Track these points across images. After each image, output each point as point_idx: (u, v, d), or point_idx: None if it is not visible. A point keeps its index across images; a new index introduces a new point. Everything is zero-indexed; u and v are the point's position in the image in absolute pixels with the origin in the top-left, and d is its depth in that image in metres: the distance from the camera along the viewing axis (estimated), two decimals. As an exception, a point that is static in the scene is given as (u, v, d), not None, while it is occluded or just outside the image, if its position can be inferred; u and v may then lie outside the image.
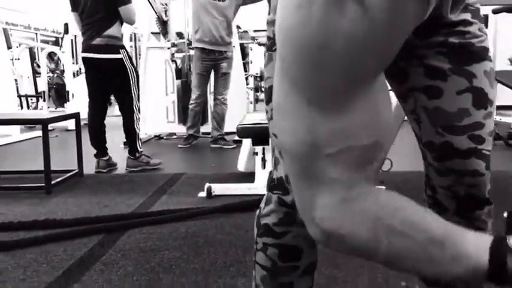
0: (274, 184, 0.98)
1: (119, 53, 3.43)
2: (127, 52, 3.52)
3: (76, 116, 3.35)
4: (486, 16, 7.68)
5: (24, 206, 2.66)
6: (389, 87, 0.94)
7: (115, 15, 3.39)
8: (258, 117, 3.04)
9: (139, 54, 7.51)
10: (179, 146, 4.80)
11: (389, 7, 0.57)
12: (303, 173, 0.66)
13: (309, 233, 0.81)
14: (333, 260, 1.76)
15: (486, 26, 6.65)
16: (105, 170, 3.60)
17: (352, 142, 0.61)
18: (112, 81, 3.49)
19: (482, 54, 0.90)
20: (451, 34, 0.88)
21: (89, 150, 3.59)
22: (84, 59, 3.53)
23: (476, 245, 0.59)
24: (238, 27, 6.93)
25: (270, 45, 0.94)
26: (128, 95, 3.50)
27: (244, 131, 2.81)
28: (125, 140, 5.02)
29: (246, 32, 9.03)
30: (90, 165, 3.56)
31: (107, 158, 3.66)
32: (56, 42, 11.99)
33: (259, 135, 2.73)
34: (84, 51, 3.51)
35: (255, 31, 12.10)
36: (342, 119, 0.62)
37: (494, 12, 3.01)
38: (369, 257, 0.66)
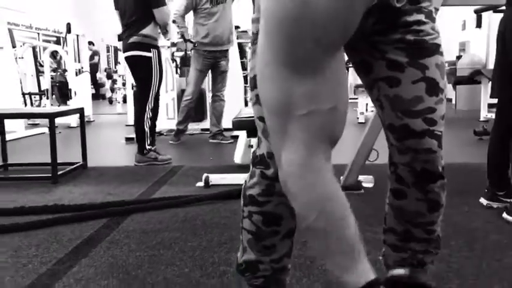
0: (257, 160, 1.15)
1: (150, 51, 3.59)
2: (159, 54, 3.66)
3: (81, 111, 3.51)
4: (480, 16, 7.85)
5: (33, 195, 2.83)
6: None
7: (151, 16, 3.57)
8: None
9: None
10: (170, 141, 4.92)
11: None
12: (277, 128, 0.84)
13: (288, 202, 0.99)
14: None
15: (480, 25, 6.75)
16: (142, 164, 3.72)
17: (318, 105, 0.78)
18: (134, 76, 3.69)
19: (434, 49, 1.07)
20: (407, 32, 1.05)
21: (92, 145, 3.75)
22: (125, 58, 3.71)
23: (366, 270, 0.79)
24: (237, 27, 7.08)
25: (254, 40, 1.10)
26: (144, 94, 3.64)
27: (239, 124, 2.97)
28: (126, 136, 5.21)
29: (245, 31, 9.18)
30: (93, 159, 3.72)
31: (154, 147, 3.83)
32: (57, 42, 12.16)
33: (253, 127, 2.89)
34: (123, 50, 3.69)
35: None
36: (312, 83, 0.80)
37: (476, 12, 3.17)
38: (298, 220, 0.86)
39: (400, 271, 1.21)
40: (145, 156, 3.72)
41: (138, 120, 3.69)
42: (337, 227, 0.84)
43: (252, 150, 1.20)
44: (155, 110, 3.73)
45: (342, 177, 2.81)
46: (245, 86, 7.44)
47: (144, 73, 3.60)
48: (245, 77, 7.16)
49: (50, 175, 3.11)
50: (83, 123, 3.57)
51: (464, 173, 3.24)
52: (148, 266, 1.75)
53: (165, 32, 4.73)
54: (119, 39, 8.58)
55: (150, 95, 3.63)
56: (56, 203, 2.52)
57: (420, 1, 1.07)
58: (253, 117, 2.96)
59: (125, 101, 10.27)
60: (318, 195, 0.83)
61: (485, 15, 8.89)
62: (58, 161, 3.17)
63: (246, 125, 2.93)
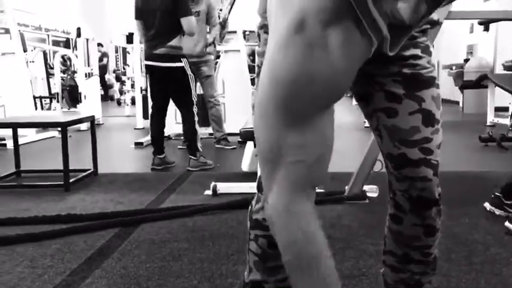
0: (262, 186, 1.22)
1: (181, 61, 3.72)
2: (188, 60, 3.80)
3: (92, 118, 3.60)
4: (488, 23, 7.86)
5: (46, 203, 2.91)
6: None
7: (178, 27, 3.68)
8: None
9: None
10: (178, 147, 5.01)
11: (344, 50, 0.82)
12: (267, 172, 0.91)
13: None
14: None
15: (487, 29, 6.67)
16: (160, 167, 3.86)
17: (306, 156, 0.85)
18: (174, 86, 3.78)
19: (430, 82, 1.13)
20: (404, 66, 1.11)
21: (101, 149, 3.83)
22: (148, 66, 3.80)
23: None
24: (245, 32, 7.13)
25: (260, 72, 1.17)
26: (189, 100, 3.78)
27: (246, 134, 3.05)
28: (136, 141, 5.29)
29: (253, 32, 9.22)
30: (103, 164, 3.80)
31: (162, 156, 3.92)
32: (67, 43, 12.28)
33: (260, 138, 2.96)
34: (147, 59, 3.78)
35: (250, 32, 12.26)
36: (303, 135, 0.87)
37: (480, 24, 3.22)
38: (281, 253, 0.93)
39: None
40: (198, 160, 3.83)
41: (189, 125, 3.82)
42: (311, 268, 0.90)
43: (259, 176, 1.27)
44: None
45: (347, 187, 2.87)
46: (253, 91, 7.48)
47: (183, 82, 3.74)
48: (252, 80, 7.23)
49: (62, 183, 3.19)
50: (94, 131, 3.65)
51: (466, 182, 3.29)
52: (159, 278, 1.82)
53: (217, 42, 4.82)
54: (128, 42, 8.63)
55: (194, 100, 3.80)
56: (68, 213, 2.60)
57: (416, 36, 1.13)
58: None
59: (133, 103, 10.39)
60: (296, 238, 0.89)
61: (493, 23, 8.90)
62: (69, 167, 3.25)
63: (253, 136, 3.00)
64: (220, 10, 5.20)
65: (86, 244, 2.20)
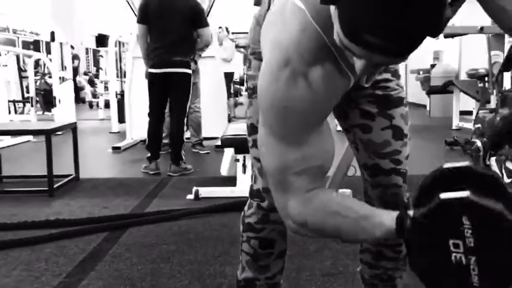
0: (254, 194, 1.37)
1: (189, 68, 3.85)
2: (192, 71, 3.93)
3: (73, 126, 3.68)
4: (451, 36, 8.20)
5: (32, 208, 2.99)
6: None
7: (191, 35, 3.84)
8: (239, 127, 3.42)
9: (124, 62, 7.81)
10: (160, 152, 5.09)
11: (324, 84, 0.97)
12: (278, 185, 1.06)
13: (280, 228, 1.21)
14: (302, 251, 2.16)
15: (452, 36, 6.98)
16: (177, 174, 3.90)
17: (308, 164, 1.00)
18: (176, 92, 3.86)
19: (399, 102, 1.30)
20: (376, 88, 1.28)
21: (79, 155, 3.86)
22: (153, 73, 3.84)
23: (388, 217, 0.98)
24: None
25: (251, 94, 1.32)
26: (182, 108, 3.91)
27: (227, 141, 3.20)
28: (113, 146, 5.35)
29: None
30: (83, 169, 3.85)
31: (158, 160, 4.00)
32: (36, 45, 12.16)
33: (240, 144, 3.12)
34: (154, 66, 3.82)
35: (233, 33, 12.39)
36: (300, 151, 1.02)
37: (445, 37, 3.45)
38: (326, 236, 1.06)
39: None
40: (179, 166, 3.92)
41: (177, 132, 3.92)
42: (343, 223, 1.01)
43: (250, 184, 1.42)
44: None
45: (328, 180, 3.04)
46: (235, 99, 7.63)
47: (187, 89, 3.88)
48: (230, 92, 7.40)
49: (46, 188, 3.27)
50: (76, 138, 3.72)
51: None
52: (151, 279, 1.95)
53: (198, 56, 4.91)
54: (98, 44, 8.59)
55: (187, 108, 3.95)
56: (57, 218, 2.70)
57: (387, 62, 1.30)
58: (240, 134, 3.20)
59: (106, 106, 10.38)
60: (325, 217, 1.02)
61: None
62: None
63: (234, 143, 3.16)
64: None
65: (78, 248, 2.30)
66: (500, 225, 0.84)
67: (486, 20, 3.47)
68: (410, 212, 0.94)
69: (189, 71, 3.89)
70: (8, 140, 5.66)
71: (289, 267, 1.98)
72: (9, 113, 7.38)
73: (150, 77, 3.91)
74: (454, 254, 0.87)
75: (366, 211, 1.01)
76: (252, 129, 1.31)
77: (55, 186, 3.33)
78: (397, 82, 1.31)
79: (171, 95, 3.92)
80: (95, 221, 2.65)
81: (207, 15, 5.48)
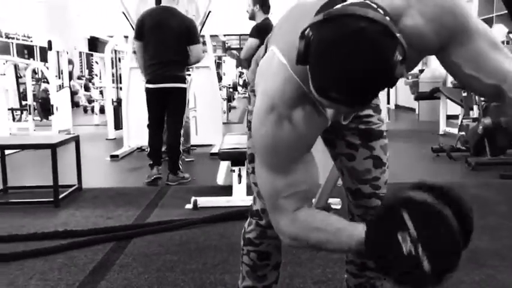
0: (253, 213, 1.56)
1: (185, 82, 4.05)
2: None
3: (76, 138, 3.86)
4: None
5: (40, 219, 3.16)
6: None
7: (185, 51, 4.02)
8: (235, 140, 3.62)
9: (120, 69, 7.96)
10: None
11: (306, 124, 1.16)
12: (271, 207, 1.25)
13: (276, 243, 1.41)
14: (295, 259, 2.35)
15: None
16: (174, 183, 4.07)
17: (295, 189, 1.20)
18: (173, 106, 4.06)
19: (379, 135, 1.50)
20: (360, 123, 1.47)
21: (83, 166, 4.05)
22: (151, 89, 4.02)
23: (361, 228, 1.17)
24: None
25: (251, 127, 1.51)
26: (179, 120, 4.11)
27: (225, 154, 3.39)
28: (112, 154, 5.51)
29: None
30: (83, 179, 4.01)
31: (160, 167, 4.17)
32: (30, 50, 12.27)
33: (237, 157, 3.32)
34: (151, 82, 4.00)
35: (225, 35, 12.52)
36: (287, 178, 1.21)
37: (416, 99, 3.63)
38: (314, 248, 1.25)
39: None
40: (177, 176, 4.11)
41: (174, 143, 4.11)
42: (324, 236, 1.19)
43: (250, 204, 1.61)
44: None
45: (314, 200, 3.24)
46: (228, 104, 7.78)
47: (183, 102, 4.11)
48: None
49: (52, 199, 3.44)
50: (79, 149, 3.90)
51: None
52: (158, 287, 2.13)
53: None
54: (91, 48, 8.72)
55: (183, 120, 4.16)
56: (65, 229, 2.87)
57: (369, 99, 1.49)
58: (236, 148, 3.39)
59: (101, 111, 10.52)
60: (309, 231, 1.20)
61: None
62: (51, 182, 3.48)
63: (231, 156, 3.35)
64: None
65: (87, 258, 2.48)
66: (432, 213, 1.04)
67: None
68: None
69: (185, 85, 4.09)
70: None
71: (283, 275, 2.17)
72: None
73: (147, 92, 4.09)
74: (404, 246, 1.05)
75: (342, 225, 1.22)
76: (252, 158, 1.50)
77: (60, 197, 3.50)
78: (378, 117, 1.50)
79: (168, 108, 4.11)
80: (101, 231, 2.83)
81: (202, 26, 5.68)
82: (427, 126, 8.01)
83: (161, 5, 4.16)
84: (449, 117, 7.51)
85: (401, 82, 10.24)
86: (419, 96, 7.88)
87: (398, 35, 0.95)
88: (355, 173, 1.49)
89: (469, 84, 1.23)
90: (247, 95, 1.58)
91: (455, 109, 7.32)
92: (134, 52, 5.79)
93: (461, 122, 5.57)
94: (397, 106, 11.64)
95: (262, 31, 4.35)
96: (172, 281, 2.19)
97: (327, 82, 0.96)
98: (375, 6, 0.98)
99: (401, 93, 11.12)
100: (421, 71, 9.51)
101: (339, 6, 0.99)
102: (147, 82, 4.05)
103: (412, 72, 10.03)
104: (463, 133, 5.26)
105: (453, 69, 1.21)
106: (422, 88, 8.58)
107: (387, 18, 0.96)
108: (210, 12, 5.73)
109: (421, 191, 1.09)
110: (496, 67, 1.16)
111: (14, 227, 2.97)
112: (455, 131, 6.75)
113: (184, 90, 4.09)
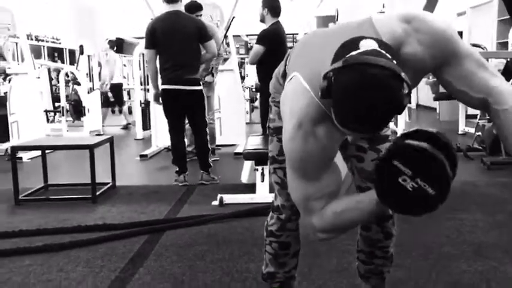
0: (275, 208, 1.80)
1: (200, 85, 4.22)
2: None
3: (111, 140, 4.15)
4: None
5: (80, 214, 3.46)
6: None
7: (198, 52, 4.21)
8: (258, 141, 3.86)
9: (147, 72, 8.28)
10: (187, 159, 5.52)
11: (328, 138, 1.39)
12: (303, 210, 1.48)
13: (294, 234, 1.66)
14: (313, 251, 2.59)
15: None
16: (208, 183, 4.26)
17: (324, 192, 1.42)
18: (191, 107, 4.19)
19: (385, 139, 1.72)
20: (368, 130, 1.70)
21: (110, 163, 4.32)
22: (167, 90, 4.13)
23: (374, 192, 1.36)
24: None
25: (272, 133, 1.75)
26: (202, 119, 4.28)
27: (249, 155, 3.64)
28: (141, 153, 5.79)
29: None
30: (116, 177, 4.32)
31: (187, 173, 4.30)
32: (60, 54, 12.70)
33: (260, 157, 3.56)
34: (168, 83, 4.12)
35: (247, 35, 12.79)
36: (317, 184, 1.44)
37: (435, 99, 3.80)
38: (348, 229, 1.48)
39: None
40: (209, 175, 4.30)
41: (203, 144, 4.28)
42: (349, 215, 1.41)
43: (271, 200, 1.85)
44: None
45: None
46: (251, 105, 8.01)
47: (201, 104, 4.24)
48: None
49: (89, 196, 3.74)
50: (113, 149, 4.20)
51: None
52: (190, 274, 2.39)
53: (215, 71, 5.27)
54: (117, 51, 9.04)
55: (207, 119, 4.34)
56: (104, 222, 3.16)
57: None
58: (259, 149, 3.63)
59: (129, 112, 10.86)
60: (336, 218, 1.42)
61: (466, 34, 9.61)
62: (86, 181, 3.79)
63: (254, 156, 3.60)
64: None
65: (125, 248, 2.75)
66: (417, 151, 1.23)
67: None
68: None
69: (200, 88, 4.20)
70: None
71: (302, 265, 2.41)
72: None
73: (163, 94, 4.17)
74: (407, 185, 1.23)
75: (359, 197, 1.45)
76: (273, 160, 1.74)
77: (96, 193, 3.79)
78: None
79: (188, 112, 4.23)
80: (137, 225, 3.10)
81: (227, 31, 5.91)
82: (447, 126, 8.11)
83: (168, 10, 4.18)
84: (469, 116, 7.62)
85: (422, 82, 10.32)
86: (438, 97, 7.99)
87: (403, 74, 1.17)
88: (364, 172, 1.71)
89: (460, 98, 1.45)
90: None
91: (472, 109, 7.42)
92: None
93: (478, 122, 5.71)
94: (418, 106, 11.72)
95: (268, 38, 4.58)
96: (203, 269, 2.45)
97: (347, 117, 1.20)
98: (384, 52, 1.21)
99: (422, 93, 11.20)
100: (442, 71, 9.60)
101: (354, 53, 1.20)
102: (162, 83, 4.18)
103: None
104: (479, 133, 5.40)
105: (446, 85, 1.44)
106: (442, 88, 8.66)
107: (394, 61, 1.19)
108: (234, 17, 5.97)
109: (408, 138, 1.28)
110: (482, 84, 1.39)
111: (58, 221, 3.27)
112: (473, 130, 6.88)
113: (200, 92, 4.19)
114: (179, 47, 4.10)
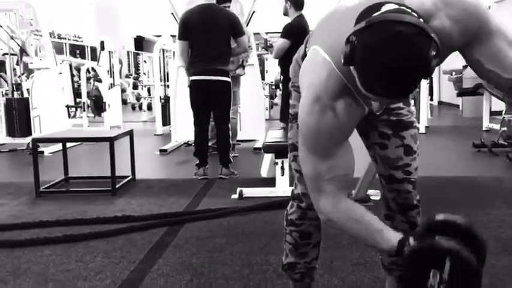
0: (295, 197, 1.75)
1: (228, 76, 4.20)
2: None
3: (131, 133, 4.15)
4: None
5: (99, 206, 3.46)
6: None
7: (229, 46, 4.19)
8: (278, 134, 3.82)
9: (167, 68, 8.30)
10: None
11: (346, 114, 1.34)
12: (313, 189, 1.44)
13: (316, 223, 1.61)
14: (336, 244, 2.53)
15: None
16: (227, 177, 4.22)
17: (335, 174, 1.38)
18: (218, 99, 4.19)
19: (409, 125, 1.66)
20: (391, 115, 1.64)
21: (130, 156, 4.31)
22: (196, 81, 4.12)
23: (395, 236, 1.36)
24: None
25: (291, 119, 1.70)
26: (227, 113, 4.24)
27: (268, 147, 3.60)
28: (161, 148, 5.80)
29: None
30: (136, 171, 4.32)
31: (207, 166, 4.28)
32: (82, 51, 12.83)
33: (280, 150, 3.52)
34: (198, 74, 4.09)
35: (267, 33, 12.67)
36: (329, 162, 1.40)
37: (458, 95, 3.72)
38: (344, 232, 1.44)
39: None
40: (229, 170, 4.27)
41: (224, 139, 4.26)
42: (364, 227, 1.40)
43: (292, 189, 1.80)
44: None
45: (353, 191, 3.40)
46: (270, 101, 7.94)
47: (228, 96, 4.21)
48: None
49: (109, 188, 3.74)
50: (132, 143, 4.20)
51: (457, 186, 3.79)
52: (209, 265, 2.36)
53: (245, 63, 5.23)
54: (137, 48, 9.08)
55: (230, 114, 4.29)
56: (124, 214, 3.15)
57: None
58: (279, 141, 3.60)
59: (149, 108, 10.91)
60: (348, 217, 1.40)
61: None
62: (106, 174, 3.79)
63: (274, 149, 3.56)
64: None
65: (144, 240, 2.74)
66: (469, 270, 1.26)
67: None
68: (411, 240, 1.33)
69: (229, 80, 4.19)
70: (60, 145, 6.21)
71: (324, 257, 2.36)
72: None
73: (192, 84, 4.16)
74: (431, 280, 1.27)
75: (380, 226, 1.42)
76: (293, 147, 1.70)
77: (116, 186, 3.79)
78: (408, 109, 1.67)
79: (214, 103, 4.20)
80: (156, 217, 3.09)
81: (247, 25, 5.89)
82: (470, 123, 7.97)
83: (202, 3, 4.22)
84: (493, 113, 7.46)
85: (444, 78, 10.16)
86: (462, 93, 7.84)
87: (432, 34, 1.12)
88: (387, 160, 1.66)
89: (488, 78, 1.39)
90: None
91: (500, 105, 7.26)
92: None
93: (504, 117, 5.57)
94: (440, 102, 11.54)
95: (293, 32, 4.49)
96: (222, 261, 2.42)
97: (374, 80, 1.15)
98: (409, 11, 1.15)
99: (444, 90, 11.02)
100: (465, 66, 9.43)
101: (377, 14, 1.15)
102: (192, 74, 4.16)
103: (456, 68, 9.96)
104: (505, 128, 5.27)
105: (475, 64, 1.37)
106: (465, 84, 8.50)
107: (421, 20, 1.14)
108: (254, 12, 5.93)
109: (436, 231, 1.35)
110: None
111: (77, 212, 3.27)
112: (498, 126, 6.73)
113: (228, 84, 4.18)
114: (211, 40, 4.10)
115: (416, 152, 1.68)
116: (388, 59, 1.10)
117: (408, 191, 1.67)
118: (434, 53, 1.12)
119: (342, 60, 1.19)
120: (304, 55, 1.53)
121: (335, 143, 1.38)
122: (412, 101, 1.77)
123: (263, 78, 9.87)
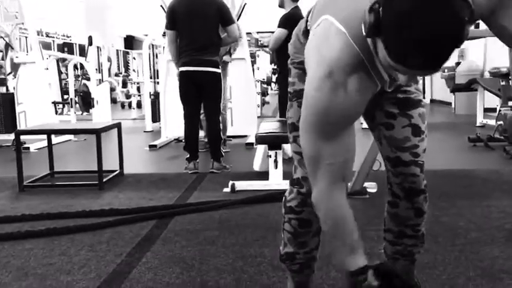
0: (294, 182, 1.63)
1: (218, 67, 4.05)
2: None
3: (119, 125, 4.01)
4: (477, 24, 8.34)
5: (85, 200, 3.32)
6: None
7: (218, 36, 4.06)
8: (272, 126, 3.69)
9: (157, 64, 8.15)
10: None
11: (359, 91, 1.23)
12: (312, 170, 1.32)
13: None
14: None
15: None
16: (219, 171, 4.09)
17: (335, 159, 1.27)
18: (207, 91, 4.04)
19: (417, 104, 1.55)
20: (398, 92, 1.53)
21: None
22: (184, 72, 3.99)
23: (358, 261, 1.29)
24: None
25: (291, 97, 1.58)
26: (217, 106, 4.10)
27: (261, 138, 3.47)
28: (150, 144, 5.66)
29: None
30: (125, 166, 4.17)
31: (198, 160, 4.14)
32: (70, 48, 12.65)
33: (273, 141, 3.40)
34: (187, 65, 3.97)
35: (258, 33, 12.60)
36: (333, 145, 1.28)
37: (452, 91, 3.64)
38: (321, 225, 1.34)
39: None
40: (221, 164, 4.14)
41: (215, 131, 4.12)
42: (341, 234, 1.31)
43: (292, 174, 1.68)
44: None
45: (350, 184, 3.29)
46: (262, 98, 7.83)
47: (218, 88, 4.06)
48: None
49: (96, 182, 3.59)
50: (120, 136, 4.06)
51: (455, 179, 3.70)
52: (200, 258, 2.23)
53: (233, 51, 5.09)
54: (127, 46, 8.97)
55: (221, 107, 4.14)
56: (111, 207, 3.01)
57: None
58: (272, 132, 3.48)
59: (138, 106, 10.75)
60: (333, 215, 1.31)
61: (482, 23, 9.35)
62: (93, 169, 3.64)
63: (267, 140, 3.43)
64: None
65: (132, 233, 2.60)
66: None
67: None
68: (370, 275, 1.28)
69: (219, 70, 4.05)
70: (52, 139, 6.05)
71: (323, 249, 2.24)
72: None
73: (181, 75, 4.02)
74: None
75: (355, 244, 1.32)
76: (293, 127, 1.57)
77: (103, 180, 3.65)
78: (415, 86, 1.56)
79: (204, 95, 4.05)
80: (144, 210, 2.95)
81: (238, 19, 5.76)
82: (463, 119, 7.91)
83: None
84: (486, 110, 7.40)
85: (437, 76, 10.10)
86: (456, 88, 7.79)
87: None
88: (394, 141, 1.54)
89: (501, 35, 1.33)
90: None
91: (493, 102, 7.21)
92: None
93: (500, 111, 5.49)
94: (432, 100, 11.48)
95: (290, 22, 4.35)
96: (214, 253, 2.29)
97: (406, 49, 1.04)
98: None
99: (436, 87, 10.97)
100: (458, 63, 9.38)
101: None
102: (181, 65, 4.02)
103: (449, 65, 9.92)
104: (501, 122, 5.18)
105: (501, 31, 1.32)
106: (458, 81, 8.45)
107: None
108: (245, 4, 5.81)
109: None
110: None
111: (62, 206, 3.13)
112: (493, 122, 6.66)
113: (218, 75, 4.05)
114: (198, 29, 3.97)
115: (425, 132, 1.57)
116: (423, 25, 1.01)
117: (416, 175, 1.56)
118: (467, 18, 1.04)
119: (365, 31, 1.09)
120: (306, 30, 1.42)
121: (342, 124, 1.28)
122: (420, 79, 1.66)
123: (254, 75, 9.75)
